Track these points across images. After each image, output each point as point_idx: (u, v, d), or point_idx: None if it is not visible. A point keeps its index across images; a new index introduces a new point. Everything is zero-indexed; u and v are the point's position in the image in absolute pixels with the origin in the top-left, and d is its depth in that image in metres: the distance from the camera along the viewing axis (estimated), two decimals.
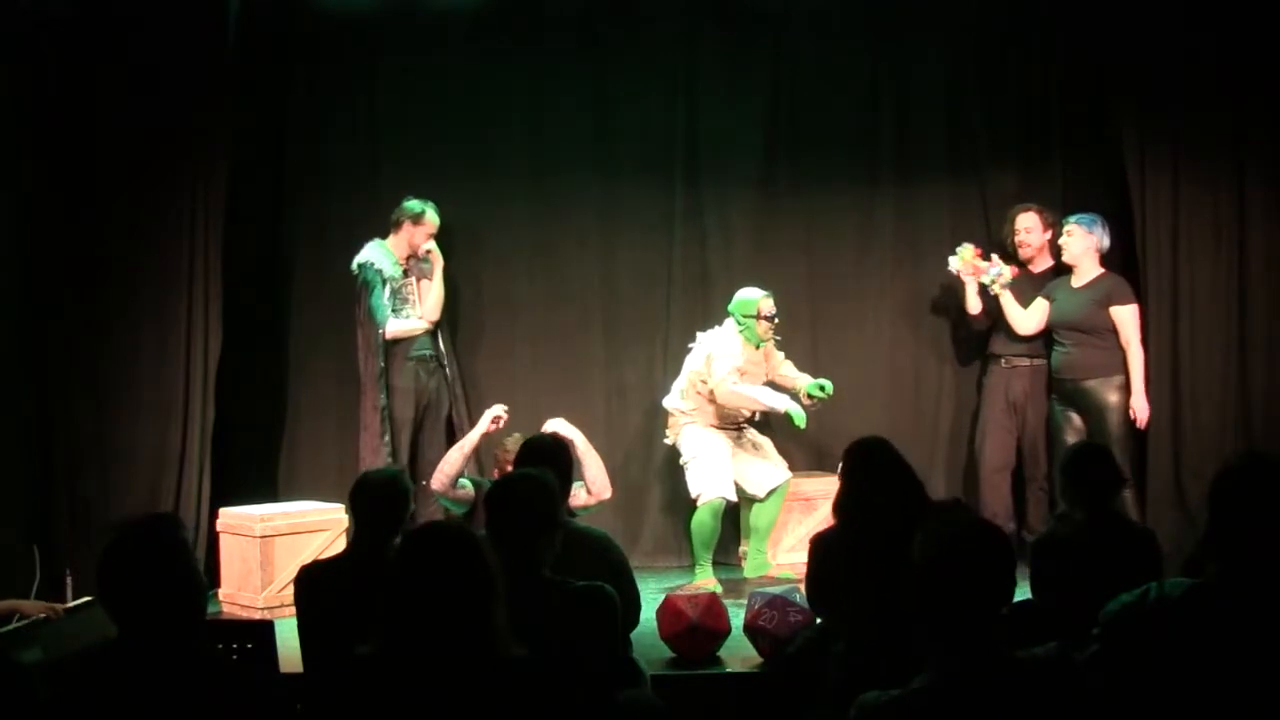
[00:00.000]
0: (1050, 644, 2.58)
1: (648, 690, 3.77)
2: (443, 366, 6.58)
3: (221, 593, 5.98)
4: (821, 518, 6.08)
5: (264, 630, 3.81)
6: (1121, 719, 2.62)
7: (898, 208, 7.03)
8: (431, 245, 6.49)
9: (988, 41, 7.00)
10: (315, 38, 6.82)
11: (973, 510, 6.17)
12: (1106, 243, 6.50)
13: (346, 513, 5.70)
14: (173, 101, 6.19)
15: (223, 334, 6.35)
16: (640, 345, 7.02)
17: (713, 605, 4.95)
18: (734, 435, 6.37)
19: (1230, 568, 2.64)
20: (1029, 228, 6.69)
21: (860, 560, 3.94)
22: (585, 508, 5.38)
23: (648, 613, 4.63)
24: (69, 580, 5.65)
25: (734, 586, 6.11)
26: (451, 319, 6.72)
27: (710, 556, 6.22)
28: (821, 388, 6.33)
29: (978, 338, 6.90)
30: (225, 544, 6.03)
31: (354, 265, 6.40)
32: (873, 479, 4.20)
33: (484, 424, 5.69)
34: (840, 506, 4.30)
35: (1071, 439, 6.28)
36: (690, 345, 6.45)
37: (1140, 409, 6.33)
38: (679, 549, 6.80)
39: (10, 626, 4.33)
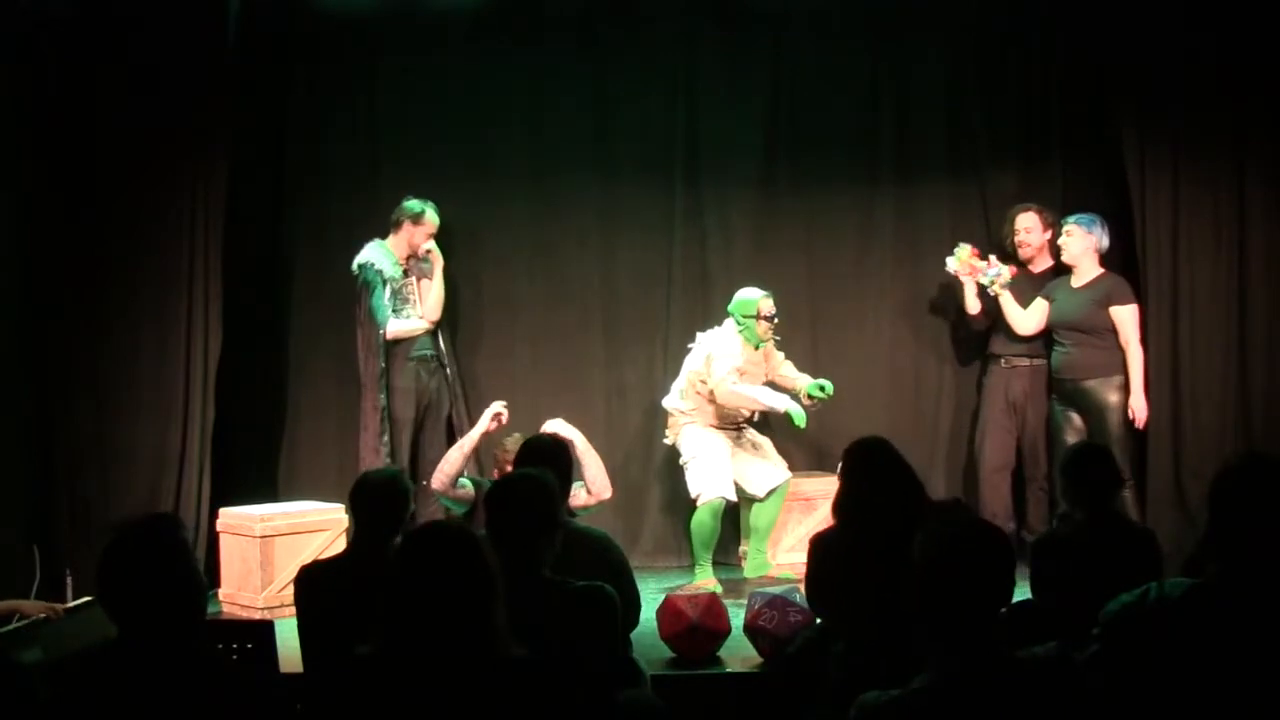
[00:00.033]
0: (1050, 644, 2.58)
1: (648, 690, 3.77)
2: (443, 366, 6.58)
3: (221, 593, 5.98)
4: (821, 518, 6.08)
5: (264, 630, 3.81)
6: (1121, 719, 2.62)
7: (898, 208, 7.02)
8: (431, 245, 6.49)
9: (988, 41, 7.00)
10: (315, 38, 6.82)
11: (973, 510, 6.18)
12: (1106, 243, 6.50)
13: (346, 513, 5.70)
14: (173, 101, 6.19)
15: (223, 334, 6.35)
16: (640, 345, 7.02)
17: (713, 605, 4.95)
18: (733, 435, 6.37)
19: (1230, 568, 2.64)
20: (1029, 228, 6.69)
21: (860, 560, 3.94)
22: (585, 508, 5.38)
23: (648, 613, 4.63)
24: (69, 580, 5.65)
25: (734, 586, 6.11)
26: (451, 319, 6.72)
27: (710, 556, 6.22)
28: (821, 388, 6.33)
29: (977, 338, 6.90)
30: (225, 544, 6.03)
31: (354, 266, 6.40)
32: (872, 479, 4.20)
33: (484, 422, 5.69)
34: (840, 506, 4.30)
35: (1072, 439, 6.28)
36: (690, 345, 6.45)
37: (1139, 409, 6.33)
38: (679, 549, 6.80)
39: (10, 626, 4.34)
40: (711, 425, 6.30)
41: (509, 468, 4.82)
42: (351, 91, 6.91)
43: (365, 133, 6.91)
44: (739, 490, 6.26)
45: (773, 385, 6.42)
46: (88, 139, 6.19)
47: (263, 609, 5.72)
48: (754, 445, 6.43)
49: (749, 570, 6.42)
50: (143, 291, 6.27)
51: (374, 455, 6.26)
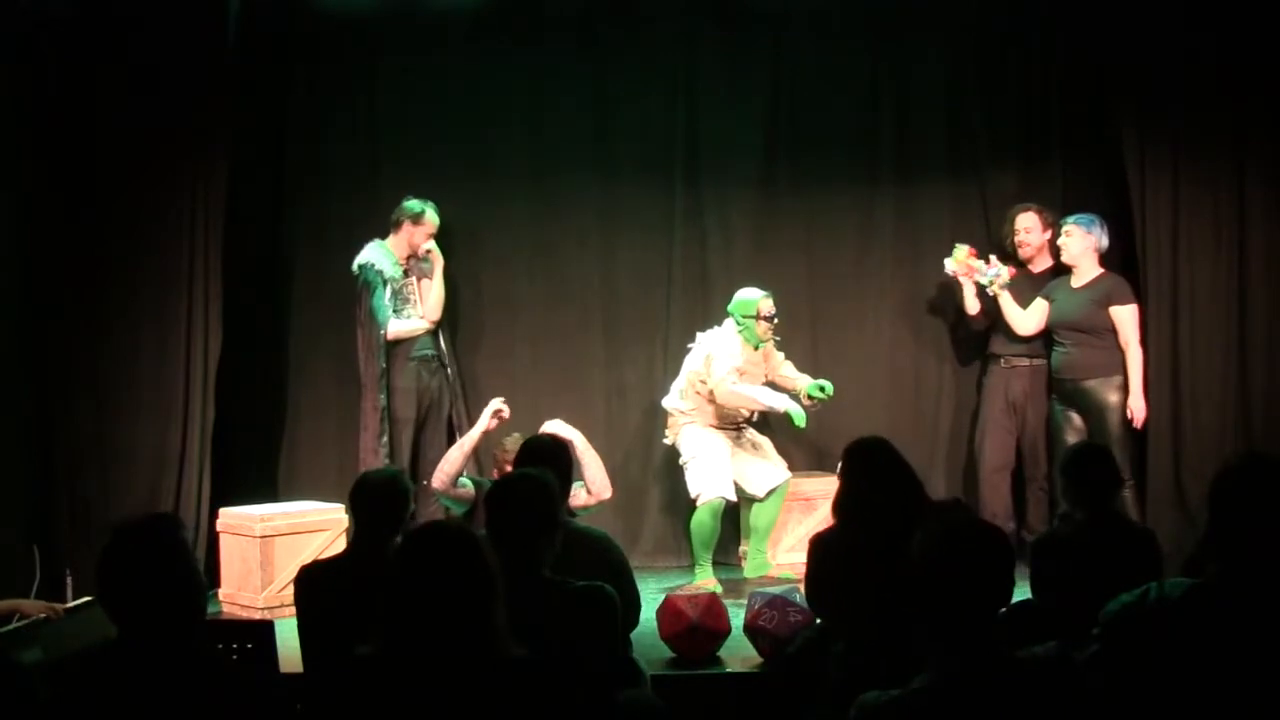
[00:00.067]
0: (1050, 644, 2.58)
1: (648, 690, 3.77)
2: (444, 366, 6.58)
3: (221, 593, 5.98)
4: (821, 518, 6.08)
5: (264, 630, 3.81)
6: (1121, 719, 2.62)
7: (898, 208, 7.02)
8: (431, 245, 6.49)
9: (988, 41, 7.00)
10: (315, 38, 6.82)
11: (973, 510, 6.18)
12: (1105, 242, 6.50)
13: (346, 513, 5.70)
14: (173, 101, 6.19)
15: (223, 334, 6.35)
16: (640, 345, 7.02)
17: (713, 605, 4.95)
18: (733, 435, 6.37)
19: (1230, 568, 2.64)
20: (1028, 228, 6.69)
21: (860, 560, 3.94)
22: (585, 508, 5.38)
23: (648, 613, 4.63)
24: (69, 580, 5.65)
25: (734, 586, 6.11)
26: (451, 319, 6.72)
27: (710, 556, 6.22)
28: (821, 388, 6.33)
29: (977, 338, 6.90)
30: (225, 544, 6.03)
31: (354, 266, 6.40)
32: (872, 478, 4.20)
33: (485, 420, 5.70)
34: (839, 506, 4.30)
35: (1072, 439, 6.28)
36: (690, 345, 6.45)
37: (1138, 409, 6.33)
38: (679, 549, 6.80)
39: (10, 626, 4.33)
40: (711, 425, 6.30)
41: (509, 468, 4.82)
42: (351, 91, 6.91)
43: (365, 133, 6.91)
44: (739, 490, 6.26)
45: (773, 385, 6.42)
46: (88, 139, 6.18)
47: (263, 609, 5.72)
48: (754, 445, 6.44)
49: (749, 570, 6.42)
50: (143, 291, 6.27)
51: (373, 455, 6.26)
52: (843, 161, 6.99)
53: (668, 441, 6.46)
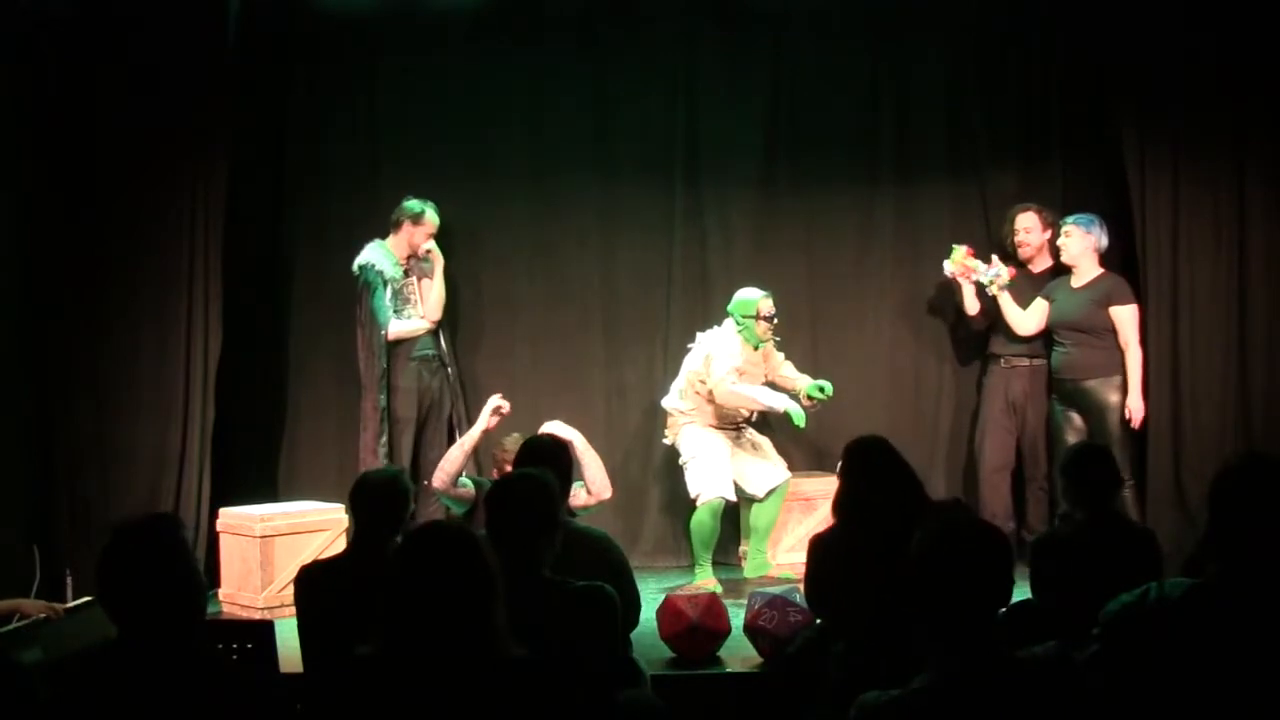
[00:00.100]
0: (1050, 644, 2.58)
1: (648, 690, 3.77)
2: (445, 366, 6.58)
3: (221, 593, 5.98)
4: (821, 518, 6.08)
5: (264, 630, 3.81)
6: (1121, 719, 2.62)
7: (898, 208, 7.02)
8: (431, 245, 6.49)
9: (988, 41, 7.00)
10: (315, 38, 6.82)
11: (972, 510, 6.18)
12: (1105, 242, 6.50)
13: (346, 513, 5.70)
14: (173, 101, 6.19)
15: (223, 334, 6.35)
16: (640, 345, 7.02)
17: (713, 605, 4.95)
18: (733, 435, 6.37)
19: (1230, 568, 2.64)
20: (1028, 228, 6.69)
21: (860, 560, 3.94)
22: (585, 508, 5.38)
23: (648, 613, 4.63)
24: (69, 580, 5.65)
25: (734, 586, 6.11)
26: (451, 319, 6.72)
27: (710, 556, 6.22)
28: (821, 389, 6.33)
29: (977, 337, 6.90)
30: (225, 544, 6.03)
31: (354, 267, 6.40)
32: (871, 478, 4.21)
33: (485, 419, 5.69)
34: (839, 506, 4.31)
35: (1072, 439, 6.28)
36: (689, 345, 6.45)
37: (1136, 409, 6.33)
38: (679, 549, 6.80)
39: (10, 626, 4.33)
40: (711, 425, 6.30)
41: (509, 468, 4.82)
42: (351, 91, 6.91)
43: (365, 133, 6.91)
44: (738, 490, 6.26)
45: (773, 385, 6.42)
46: (88, 139, 6.18)
47: (263, 609, 5.72)
48: (753, 445, 6.44)
49: (749, 570, 6.42)
50: (143, 291, 6.27)
51: (372, 456, 6.26)
52: (843, 161, 6.99)
53: (667, 441, 6.46)
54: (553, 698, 2.53)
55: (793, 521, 6.55)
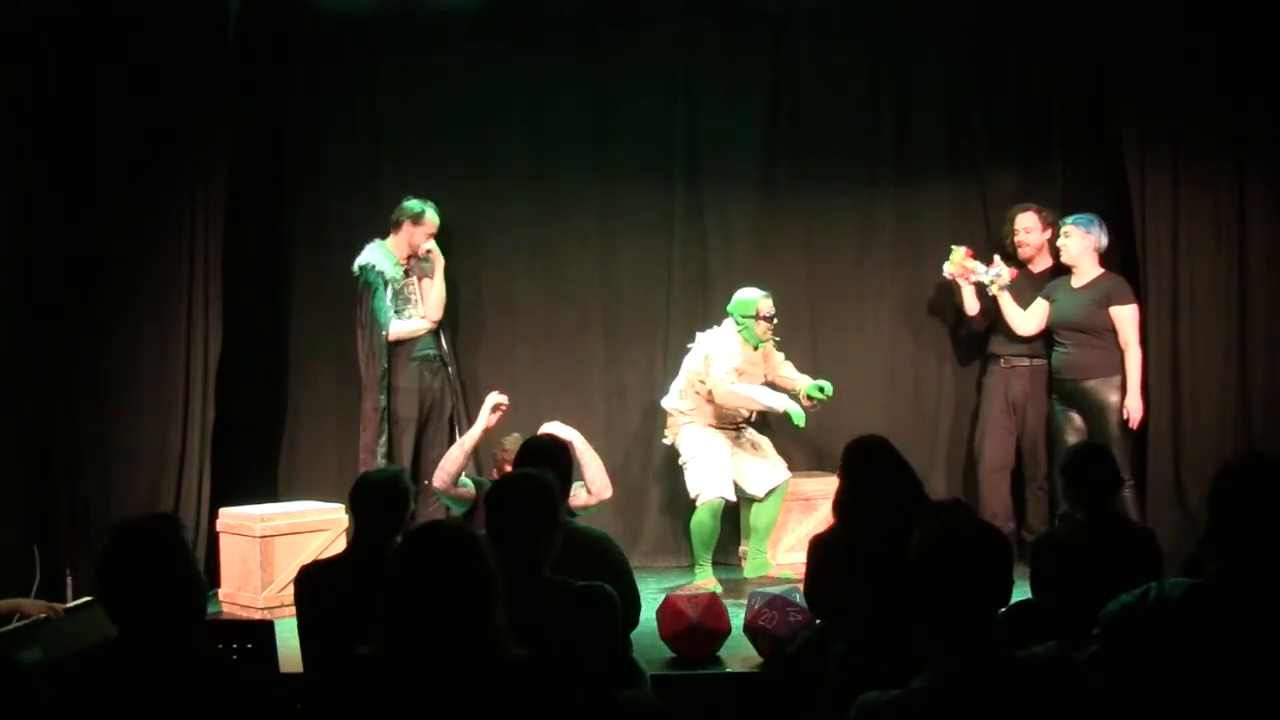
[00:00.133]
0: (1050, 644, 2.58)
1: (648, 690, 3.77)
2: (446, 365, 6.58)
3: (221, 593, 5.98)
4: (821, 518, 6.08)
5: (264, 630, 3.81)
6: (1121, 719, 2.62)
7: (898, 208, 7.02)
8: (432, 245, 6.49)
9: (988, 41, 7.00)
10: (315, 38, 6.82)
11: (972, 510, 6.18)
12: (1104, 242, 6.50)
13: (346, 513, 5.70)
14: (173, 101, 6.19)
15: (223, 334, 6.35)
16: (640, 345, 7.02)
17: (713, 605, 4.95)
18: (732, 435, 6.37)
19: (1230, 568, 2.64)
20: (1028, 228, 6.70)
21: (860, 560, 3.94)
22: (585, 508, 5.38)
23: (648, 613, 4.63)
24: (69, 580, 5.65)
25: (734, 586, 6.11)
26: (452, 319, 6.72)
27: (710, 556, 6.22)
28: (821, 389, 6.33)
29: (977, 337, 6.91)
30: (225, 544, 6.03)
31: (355, 267, 6.40)
32: (871, 477, 4.21)
33: (484, 417, 5.69)
34: (839, 505, 4.31)
35: (1073, 439, 6.28)
36: (689, 345, 6.45)
37: (1134, 409, 6.33)
38: (679, 549, 6.80)
39: (10, 626, 4.33)
40: (710, 425, 6.30)
41: (509, 467, 4.83)
42: (351, 91, 6.91)
43: (365, 133, 6.91)
44: (738, 490, 6.26)
45: (772, 386, 6.42)
46: (88, 139, 6.18)
47: (263, 609, 5.72)
48: (753, 445, 6.44)
49: (749, 570, 6.42)
50: (143, 291, 6.27)
51: (371, 456, 6.26)
52: (843, 161, 6.99)
53: (667, 441, 6.46)
54: (553, 698, 2.53)
55: (793, 521, 6.55)
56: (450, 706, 2.46)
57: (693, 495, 6.17)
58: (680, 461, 6.32)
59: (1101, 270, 6.48)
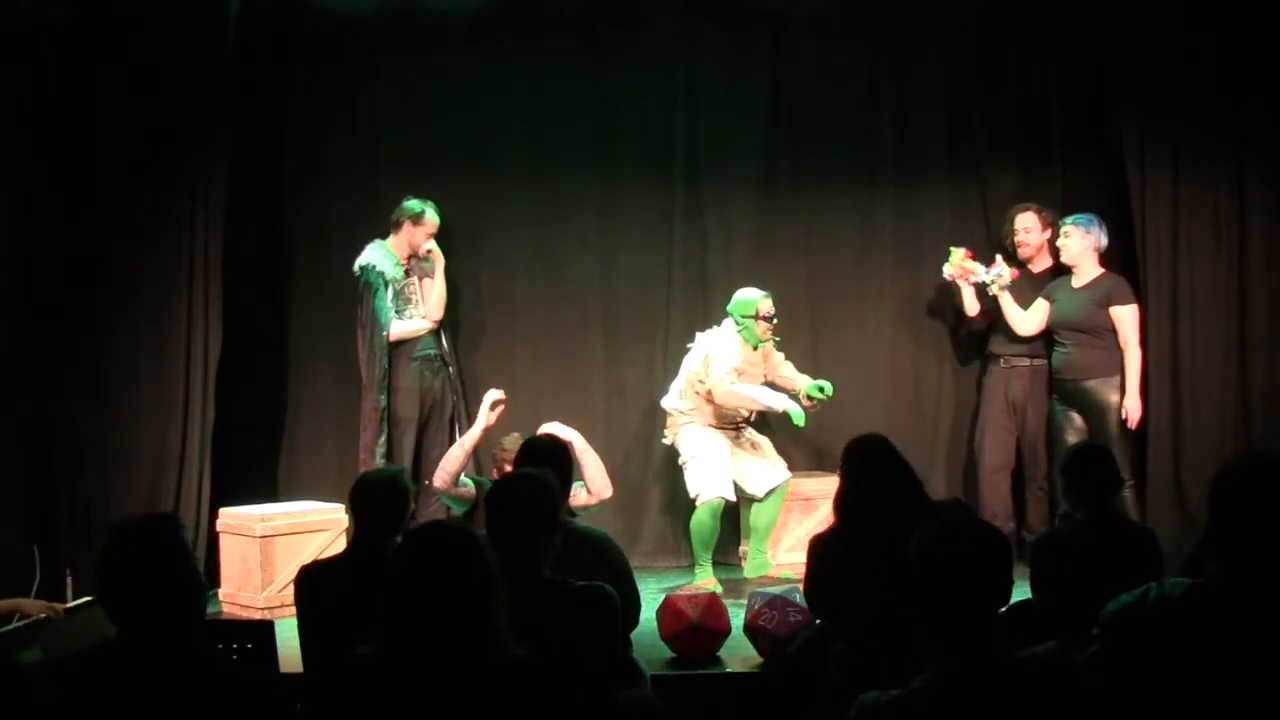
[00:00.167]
0: (1050, 644, 2.58)
1: (648, 690, 3.77)
2: (446, 365, 6.59)
3: (221, 593, 5.98)
4: (821, 518, 6.08)
5: (264, 630, 3.81)
6: (1121, 719, 2.62)
7: (898, 208, 7.02)
8: (432, 245, 6.49)
9: (988, 41, 7.00)
10: (315, 38, 6.82)
11: (972, 510, 6.18)
12: (1104, 241, 6.50)
13: (346, 513, 5.70)
14: (173, 101, 6.19)
15: (223, 334, 6.35)
16: (640, 345, 7.02)
17: (713, 605, 4.95)
18: (732, 435, 6.37)
19: (1230, 568, 2.64)
20: (1028, 228, 6.69)
21: (860, 560, 3.94)
22: (585, 507, 5.38)
23: (648, 613, 4.63)
24: (69, 580, 5.65)
25: (734, 586, 6.11)
26: (452, 319, 6.72)
27: (710, 556, 6.22)
28: (821, 389, 6.33)
29: (977, 337, 6.91)
30: (225, 544, 6.03)
31: (355, 268, 6.40)
32: (870, 476, 4.21)
33: (484, 416, 5.69)
34: (839, 504, 4.31)
35: (1073, 439, 6.28)
36: (689, 345, 6.45)
37: (1132, 409, 6.33)
38: (679, 549, 6.80)
39: (10, 626, 4.33)
40: (710, 425, 6.30)
41: (509, 467, 4.83)
42: (351, 91, 6.91)
43: (365, 133, 6.91)
44: (738, 490, 6.26)
45: (772, 386, 6.42)
46: (88, 139, 6.18)
47: (263, 609, 5.72)
48: (753, 445, 6.44)
49: (749, 570, 6.42)
50: (143, 291, 6.27)
51: (370, 457, 6.26)
52: (843, 161, 6.99)
53: (667, 441, 6.46)
54: (553, 698, 2.53)
55: (793, 521, 6.55)
56: (450, 706, 2.46)
57: (692, 495, 6.17)
58: (680, 461, 6.32)
59: (1101, 270, 6.48)
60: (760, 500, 6.35)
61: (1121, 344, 6.38)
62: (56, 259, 6.19)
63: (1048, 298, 6.57)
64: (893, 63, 6.99)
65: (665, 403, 6.43)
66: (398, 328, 6.39)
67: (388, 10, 6.78)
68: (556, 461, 4.18)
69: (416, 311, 6.49)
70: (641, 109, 6.95)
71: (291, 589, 4.05)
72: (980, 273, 6.60)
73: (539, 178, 6.93)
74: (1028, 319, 6.58)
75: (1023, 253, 6.71)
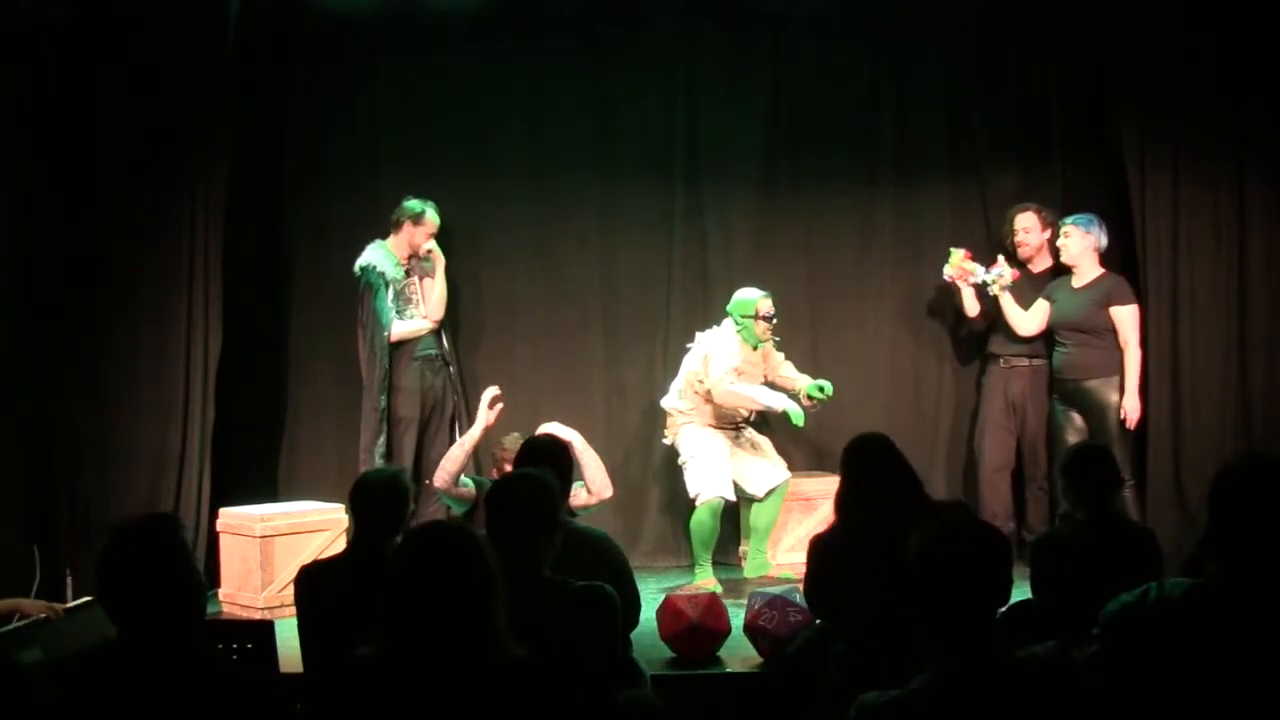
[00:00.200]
0: (1050, 644, 2.58)
1: (648, 690, 3.77)
2: (447, 365, 6.59)
3: (221, 593, 5.98)
4: (821, 518, 6.08)
5: (264, 630, 3.81)
6: (1121, 719, 2.62)
7: (898, 208, 7.02)
8: (432, 245, 6.50)
9: (988, 41, 7.00)
10: (315, 38, 6.82)
11: (972, 510, 6.18)
12: (1104, 241, 6.50)
13: (346, 513, 5.70)
14: (173, 101, 6.20)
15: (223, 334, 6.35)
16: (640, 345, 7.02)
17: (713, 605, 4.95)
18: (732, 435, 6.37)
19: (1230, 568, 2.64)
20: (1028, 228, 6.69)
21: (860, 560, 3.94)
22: (585, 507, 5.38)
23: (648, 613, 4.63)
24: (69, 580, 5.65)
25: (734, 586, 6.11)
26: (452, 319, 6.72)
27: (710, 556, 6.22)
28: (821, 389, 6.33)
29: (977, 337, 6.91)
30: (225, 544, 6.03)
31: (356, 268, 6.40)
32: (870, 476, 4.21)
33: (483, 415, 5.69)
34: (839, 503, 4.31)
35: (1073, 439, 6.28)
36: (689, 345, 6.45)
37: (1131, 409, 6.33)
38: (679, 549, 6.80)
39: (10, 626, 4.33)
40: (710, 425, 6.30)
41: (509, 467, 4.83)
42: (351, 91, 6.91)
43: (365, 133, 6.91)
44: (738, 490, 6.26)
45: (772, 386, 6.42)
46: (88, 139, 6.18)
47: (263, 609, 5.72)
48: (753, 445, 6.44)
49: (749, 570, 6.42)
50: (143, 291, 6.27)
51: (370, 457, 6.26)
52: (843, 161, 6.99)
53: (667, 441, 6.46)
54: (553, 698, 2.53)
55: (793, 521, 6.55)
56: (450, 706, 2.46)
57: (692, 495, 6.17)
58: (680, 461, 6.32)
59: (1102, 270, 6.48)
60: (760, 500, 6.35)
61: (1121, 344, 6.38)
62: (56, 259, 6.19)
63: (1048, 298, 6.57)
64: (893, 63, 6.99)
65: (665, 403, 6.43)
66: (398, 328, 6.39)
67: (388, 10, 6.78)
68: (556, 461, 4.18)
69: (417, 311, 6.49)
70: (641, 109, 6.95)
71: (291, 589, 4.05)
72: (980, 273, 6.60)
73: (539, 178, 6.93)
74: (1028, 319, 6.58)
75: (1023, 253, 6.71)
